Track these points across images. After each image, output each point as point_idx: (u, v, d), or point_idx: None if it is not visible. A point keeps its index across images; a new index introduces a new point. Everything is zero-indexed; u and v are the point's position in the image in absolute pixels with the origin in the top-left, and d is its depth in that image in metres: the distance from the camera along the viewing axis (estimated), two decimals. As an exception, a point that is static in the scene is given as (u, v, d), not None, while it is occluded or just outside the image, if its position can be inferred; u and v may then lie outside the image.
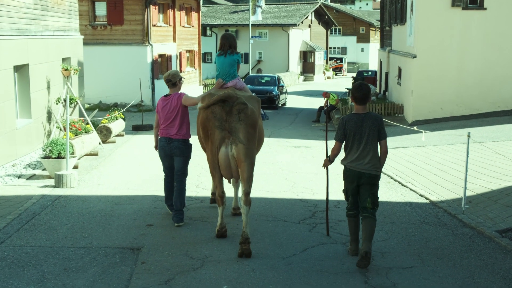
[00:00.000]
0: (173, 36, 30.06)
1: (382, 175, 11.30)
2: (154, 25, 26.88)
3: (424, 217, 8.40)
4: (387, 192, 10.02)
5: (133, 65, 25.89)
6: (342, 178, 6.60)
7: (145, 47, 26.26)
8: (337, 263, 6.34)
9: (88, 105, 23.16)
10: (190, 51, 33.62)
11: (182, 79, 7.96)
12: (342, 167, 6.50)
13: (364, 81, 6.59)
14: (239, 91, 7.62)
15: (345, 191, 6.56)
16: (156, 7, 27.28)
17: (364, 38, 70.08)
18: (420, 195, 9.83)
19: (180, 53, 31.08)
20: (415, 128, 12.00)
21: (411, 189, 10.28)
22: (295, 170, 12.09)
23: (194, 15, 34.26)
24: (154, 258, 6.35)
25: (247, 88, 7.98)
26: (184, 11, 31.97)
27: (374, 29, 70.24)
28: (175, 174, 7.87)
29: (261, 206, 8.82)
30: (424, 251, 6.84)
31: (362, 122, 6.24)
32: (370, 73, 41.63)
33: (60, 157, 10.61)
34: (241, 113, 6.86)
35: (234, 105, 6.87)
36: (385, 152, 6.33)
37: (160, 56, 28.07)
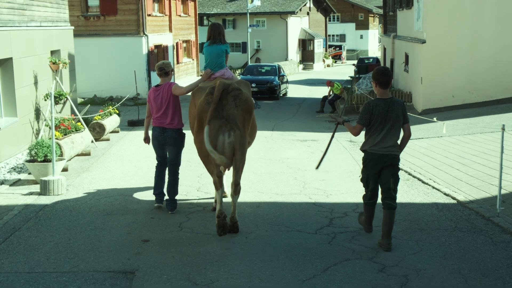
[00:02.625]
0: (169, 26, 29.00)
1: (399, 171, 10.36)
2: (149, 15, 25.84)
3: (456, 222, 7.43)
4: (408, 191, 9.04)
5: (128, 57, 24.90)
6: (362, 165, 6.59)
7: (140, 38, 25.25)
8: (367, 286, 5.37)
9: (82, 100, 22.14)
10: (187, 41, 32.58)
11: (173, 70, 7.94)
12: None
13: (386, 67, 6.38)
14: (227, 81, 7.49)
15: (365, 178, 6.55)
16: (151, -5, 26.24)
17: (363, 25, 69.10)
18: (446, 194, 8.85)
19: (177, 44, 30.03)
20: (435, 119, 10.99)
21: (434, 187, 9.29)
22: (304, 167, 11.09)
23: (191, 4, 33.18)
24: (151, 285, 5.35)
25: (235, 77, 7.94)
26: (180, 0, 30.87)
27: (372, 15, 69.24)
28: (168, 164, 7.90)
29: (271, 212, 7.84)
30: (464, 266, 5.88)
31: (388, 107, 6.31)
32: (371, 60, 40.49)
33: (46, 160, 9.59)
34: (236, 99, 6.83)
35: (229, 91, 6.83)
36: (408, 135, 6.51)
37: (156, 47, 27.03)
